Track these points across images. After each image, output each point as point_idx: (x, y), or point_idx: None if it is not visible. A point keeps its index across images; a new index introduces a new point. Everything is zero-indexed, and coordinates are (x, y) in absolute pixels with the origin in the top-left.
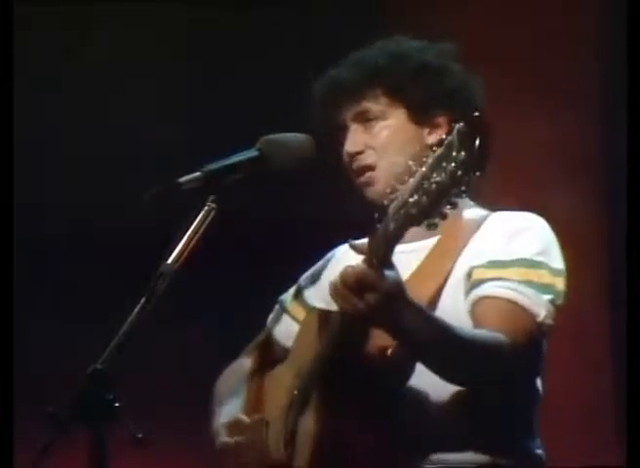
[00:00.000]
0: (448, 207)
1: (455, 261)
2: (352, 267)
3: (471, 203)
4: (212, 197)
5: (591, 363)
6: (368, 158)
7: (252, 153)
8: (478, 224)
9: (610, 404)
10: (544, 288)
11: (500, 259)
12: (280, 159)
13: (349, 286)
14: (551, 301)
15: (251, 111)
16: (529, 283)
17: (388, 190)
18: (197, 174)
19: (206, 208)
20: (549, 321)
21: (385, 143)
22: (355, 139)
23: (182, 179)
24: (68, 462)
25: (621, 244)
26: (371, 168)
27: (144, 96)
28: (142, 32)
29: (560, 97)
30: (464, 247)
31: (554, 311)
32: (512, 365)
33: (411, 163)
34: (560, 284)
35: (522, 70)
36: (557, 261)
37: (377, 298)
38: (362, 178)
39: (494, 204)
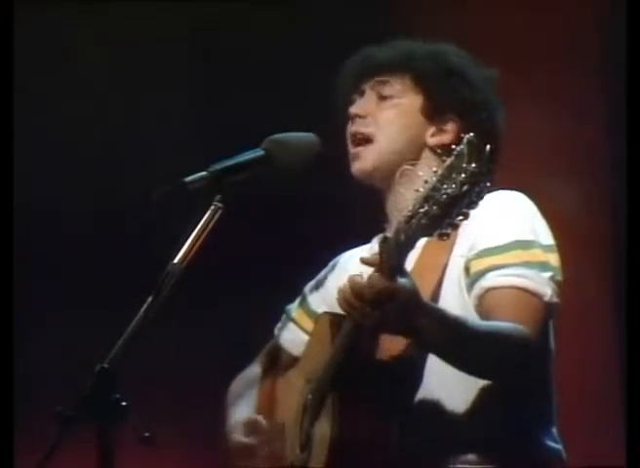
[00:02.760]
0: (459, 218)
1: (449, 253)
2: (362, 277)
3: None
4: (218, 197)
5: (593, 361)
6: (368, 126)
7: (257, 153)
8: None
9: (611, 404)
10: (542, 266)
11: (493, 246)
12: (286, 159)
13: (364, 297)
14: (552, 278)
15: (255, 111)
16: (527, 264)
17: (370, 169)
18: (203, 173)
19: (212, 207)
20: (555, 299)
21: (389, 121)
22: (364, 104)
23: (189, 179)
24: (75, 461)
25: (622, 240)
26: (367, 138)
27: (146, 96)
28: (143, 32)
29: (560, 97)
30: (455, 237)
31: (557, 288)
32: (533, 351)
33: (420, 173)
34: (554, 259)
35: (523, 70)
36: (546, 237)
37: (394, 308)
38: (355, 150)
39: None
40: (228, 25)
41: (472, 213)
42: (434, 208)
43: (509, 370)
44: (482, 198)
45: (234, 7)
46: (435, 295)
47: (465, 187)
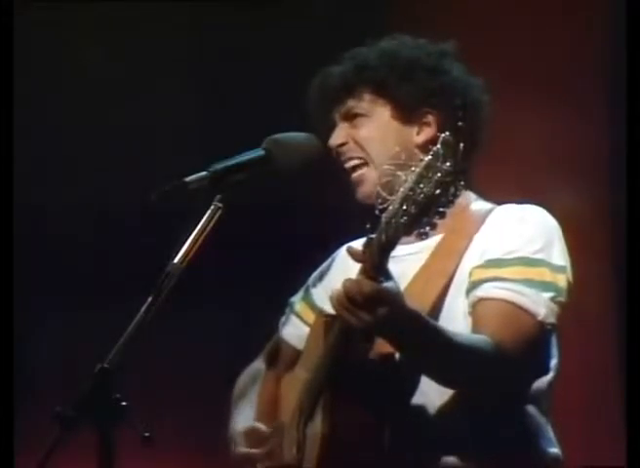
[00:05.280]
0: (437, 217)
1: (459, 260)
2: (353, 281)
3: (474, 197)
4: (218, 197)
5: (593, 362)
6: (352, 151)
7: (258, 153)
8: (482, 219)
9: (611, 404)
10: (544, 285)
11: (499, 258)
12: (286, 159)
13: (356, 301)
14: (552, 299)
15: (255, 111)
16: (527, 282)
17: (375, 191)
18: (204, 173)
19: (212, 207)
20: (551, 319)
21: (368, 138)
22: (338, 133)
23: (189, 179)
24: (75, 461)
25: (623, 241)
26: (359, 163)
27: (146, 95)
28: (143, 32)
29: (561, 96)
30: (468, 244)
31: (557, 309)
32: (511, 366)
33: (399, 172)
34: (562, 280)
35: (523, 70)
36: (558, 257)
37: (386, 312)
38: (353, 176)
39: (499, 201)
40: (229, 25)
41: (491, 221)
42: (412, 207)
43: (481, 385)
44: (458, 196)
45: (234, 6)
46: (440, 300)
47: (441, 186)
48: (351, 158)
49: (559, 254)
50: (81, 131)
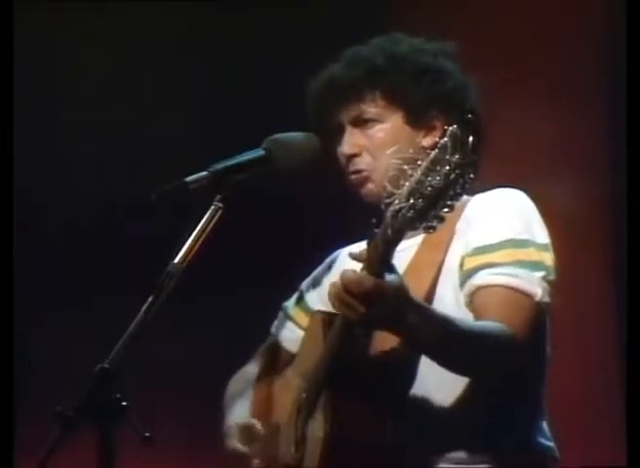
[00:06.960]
0: (445, 210)
1: (445, 251)
2: (354, 273)
3: None
4: (218, 197)
5: (593, 361)
6: (364, 160)
7: (258, 153)
8: (462, 209)
9: (611, 403)
10: (534, 265)
11: (487, 244)
12: (286, 159)
13: (353, 294)
14: (544, 278)
15: (255, 111)
16: (519, 263)
17: (381, 190)
18: (204, 173)
19: (212, 207)
20: (547, 299)
21: (381, 145)
22: (352, 141)
23: (189, 179)
24: (75, 461)
25: (622, 240)
26: (366, 169)
27: (146, 95)
28: (143, 32)
29: (561, 96)
30: (452, 234)
31: (549, 288)
32: (521, 351)
33: (405, 166)
34: (548, 259)
35: (523, 70)
36: (541, 236)
37: (382, 308)
38: (356, 178)
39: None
40: (229, 25)
41: (470, 210)
42: (419, 201)
43: (495, 371)
44: (466, 189)
45: (234, 7)
46: (431, 292)
47: (450, 179)
48: (360, 170)
49: (540, 233)
50: (81, 131)
